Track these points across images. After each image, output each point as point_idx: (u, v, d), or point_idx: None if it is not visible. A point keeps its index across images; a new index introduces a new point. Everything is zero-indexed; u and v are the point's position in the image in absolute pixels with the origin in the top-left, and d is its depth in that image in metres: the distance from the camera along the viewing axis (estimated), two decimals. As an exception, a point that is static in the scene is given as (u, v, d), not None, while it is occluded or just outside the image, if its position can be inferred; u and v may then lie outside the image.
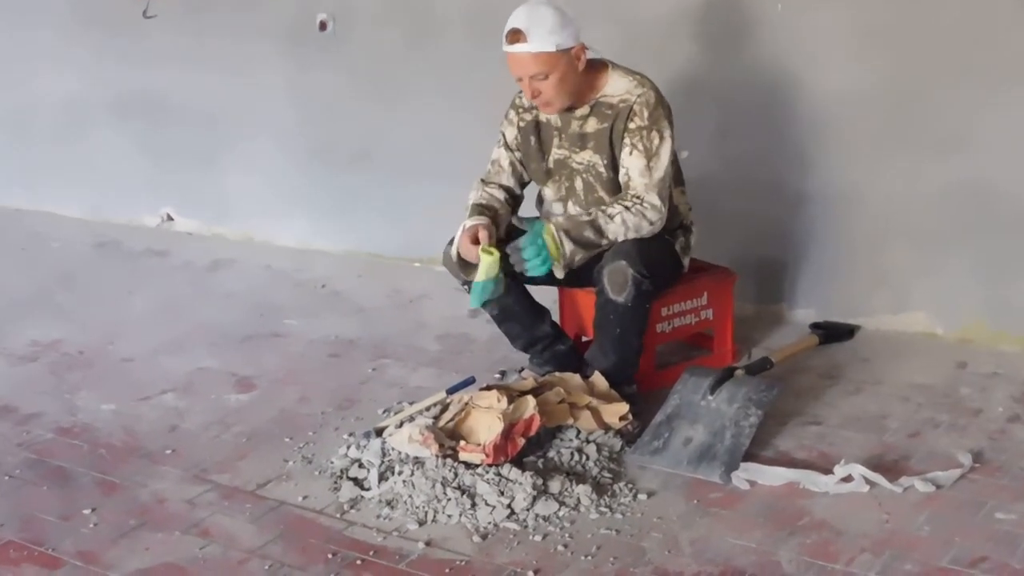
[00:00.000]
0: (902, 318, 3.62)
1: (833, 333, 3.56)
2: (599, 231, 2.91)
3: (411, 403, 3.19)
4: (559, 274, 2.93)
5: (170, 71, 4.87)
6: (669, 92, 3.61)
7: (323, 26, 4.43)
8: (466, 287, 3.17)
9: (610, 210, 2.93)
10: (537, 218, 3.14)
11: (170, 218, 5.16)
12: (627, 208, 2.93)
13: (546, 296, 3.36)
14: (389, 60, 4.34)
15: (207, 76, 4.78)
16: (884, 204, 3.58)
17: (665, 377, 3.25)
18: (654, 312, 3.21)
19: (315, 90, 4.56)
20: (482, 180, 3.19)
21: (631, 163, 2.96)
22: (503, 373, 3.38)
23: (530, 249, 2.86)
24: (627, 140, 2.96)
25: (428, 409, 2.96)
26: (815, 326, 3.61)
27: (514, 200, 3.21)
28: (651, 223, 2.93)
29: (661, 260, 3.04)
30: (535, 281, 3.16)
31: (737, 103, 3.72)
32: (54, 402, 3.38)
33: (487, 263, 2.92)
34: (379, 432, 2.96)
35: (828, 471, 2.72)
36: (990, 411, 3.07)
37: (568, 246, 2.88)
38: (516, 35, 2.89)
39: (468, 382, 3.11)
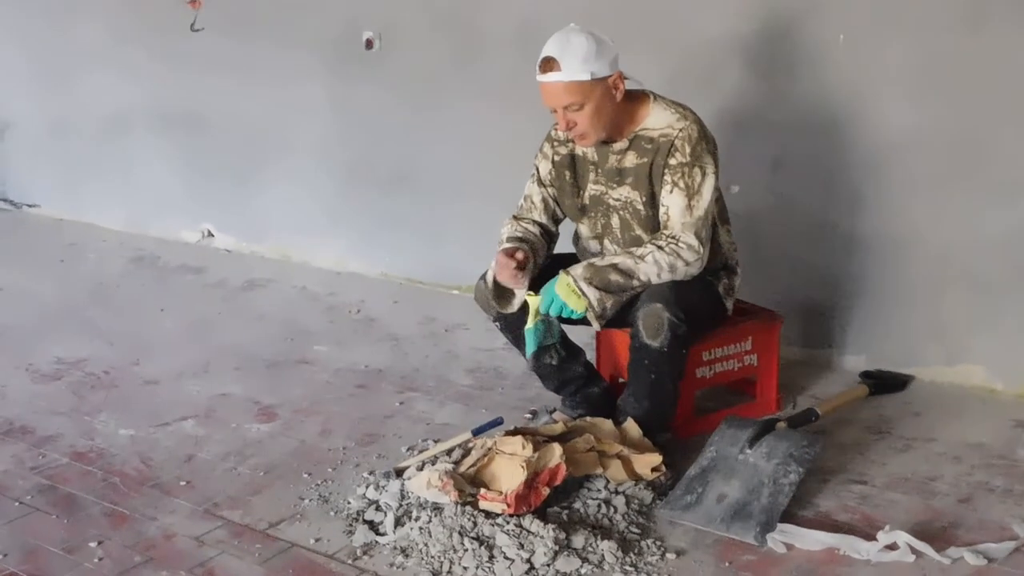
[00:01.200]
0: (959, 370, 3.42)
1: (884, 384, 3.37)
2: (627, 274, 2.77)
3: (436, 441, 3.07)
4: (595, 324, 2.79)
5: (215, 85, 4.83)
6: (719, 123, 3.47)
7: (369, 44, 4.35)
8: (499, 324, 3.04)
9: (640, 251, 2.79)
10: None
11: (210, 234, 5.10)
12: (660, 248, 2.78)
13: (582, 335, 3.22)
14: (434, 80, 4.25)
15: (251, 91, 4.73)
16: (943, 249, 3.38)
17: (705, 424, 3.09)
18: (694, 356, 3.06)
19: (358, 108, 4.48)
20: (514, 216, 3.06)
21: (671, 201, 2.81)
22: (534, 413, 3.24)
23: (545, 303, 2.77)
24: (668, 177, 2.82)
25: (451, 452, 2.82)
26: (865, 375, 3.42)
27: (549, 237, 3.07)
28: (687, 263, 2.78)
29: (701, 303, 2.88)
30: (571, 320, 3.02)
31: (791, 137, 3.55)
32: (72, 424, 3.31)
33: (534, 306, 2.81)
34: (399, 473, 2.84)
35: (871, 537, 2.54)
36: (1050, 477, 2.87)
37: (593, 293, 2.74)
38: (549, 64, 2.75)
39: (495, 423, 2.98)
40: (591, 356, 3.26)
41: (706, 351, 3.09)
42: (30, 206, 5.72)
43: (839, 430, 3.13)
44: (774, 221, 3.63)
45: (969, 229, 3.33)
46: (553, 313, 2.78)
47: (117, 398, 3.50)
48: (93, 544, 2.66)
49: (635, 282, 2.78)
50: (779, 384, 3.30)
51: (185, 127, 5.00)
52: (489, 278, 2.94)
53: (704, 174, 2.81)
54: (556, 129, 3.00)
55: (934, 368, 3.45)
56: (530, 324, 2.87)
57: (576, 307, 2.74)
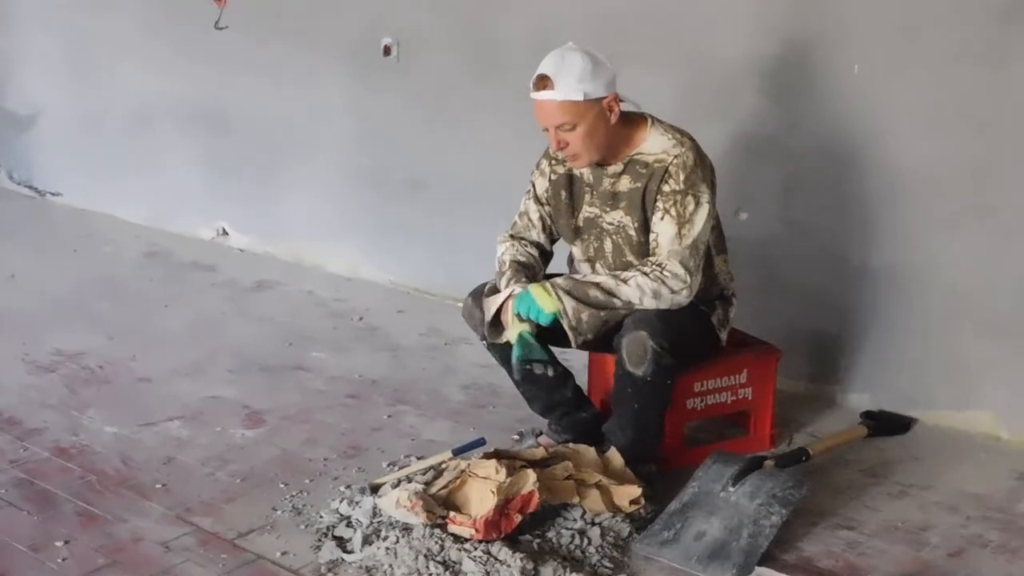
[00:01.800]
0: (966, 416, 3.30)
1: (885, 425, 3.26)
2: (608, 292, 2.70)
3: (418, 458, 3.01)
4: (572, 339, 2.72)
5: (236, 83, 4.82)
6: (731, 147, 3.40)
7: (387, 51, 4.32)
8: (486, 342, 2.98)
9: (625, 274, 2.73)
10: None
11: (225, 232, 5.09)
12: (645, 273, 2.71)
13: (575, 359, 3.15)
14: (450, 88, 4.20)
15: (272, 91, 4.72)
16: (956, 287, 3.27)
17: (695, 455, 3.00)
18: (685, 387, 2.99)
19: (375, 114, 4.45)
20: (511, 236, 3.00)
21: (661, 228, 2.74)
22: (521, 435, 3.18)
23: (518, 303, 2.72)
24: (660, 203, 2.74)
25: (425, 472, 2.76)
26: (867, 415, 3.32)
27: (545, 258, 3.01)
28: (672, 291, 2.70)
29: (690, 333, 2.80)
30: (550, 337, 2.95)
31: (804, 165, 3.46)
32: (59, 419, 3.30)
33: (515, 322, 2.76)
34: (374, 489, 2.79)
35: (852, 588, 2.45)
36: (1049, 534, 2.76)
37: (569, 302, 2.69)
38: (543, 81, 2.70)
39: (478, 443, 2.92)
40: (583, 381, 3.20)
41: (698, 382, 3.01)
42: (53, 194, 5.75)
43: (833, 471, 3.03)
44: (784, 249, 3.53)
45: (985, 268, 3.22)
46: (523, 313, 2.72)
47: (108, 394, 3.49)
48: (60, 543, 2.64)
49: (616, 301, 2.71)
50: (776, 419, 3.21)
51: (206, 124, 4.99)
52: (488, 312, 2.85)
53: (698, 203, 2.74)
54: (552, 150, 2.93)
55: (940, 411, 3.34)
56: (512, 336, 2.78)
57: (546, 307, 2.69)
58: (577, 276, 2.81)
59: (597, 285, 2.72)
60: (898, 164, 3.29)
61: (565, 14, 3.78)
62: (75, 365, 3.69)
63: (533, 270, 2.92)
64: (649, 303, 2.70)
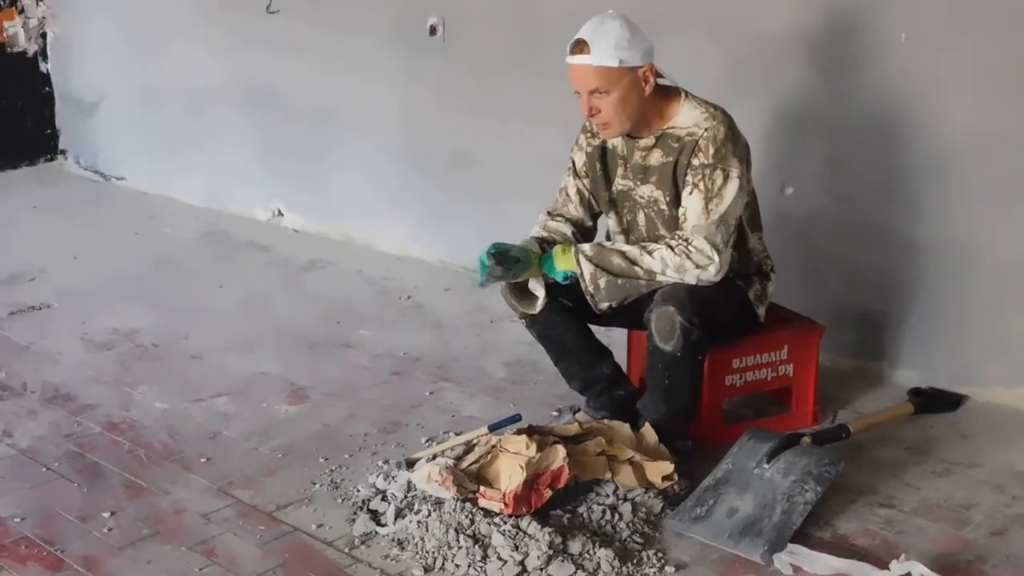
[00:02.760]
0: (1017, 393, 3.22)
1: (933, 402, 3.20)
2: (632, 262, 2.70)
3: (457, 434, 3.03)
4: (593, 306, 2.74)
5: (288, 66, 4.88)
6: (775, 121, 3.34)
7: (433, 30, 4.33)
8: (524, 321, 2.99)
9: (652, 245, 2.72)
10: None
11: (280, 213, 5.17)
12: (670, 247, 2.69)
13: (616, 337, 3.15)
14: (496, 66, 4.20)
15: (322, 73, 4.77)
16: (1007, 261, 3.19)
17: (733, 432, 2.97)
18: (723, 364, 2.97)
19: (422, 93, 4.47)
20: (548, 212, 3.00)
21: (689, 203, 2.71)
22: (559, 411, 3.19)
23: (545, 264, 2.79)
24: (689, 178, 2.72)
25: (455, 448, 2.79)
26: (914, 392, 3.25)
27: (583, 232, 3.00)
28: (699, 267, 2.67)
29: (723, 309, 2.78)
30: (600, 321, 2.96)
31: (851, 137, 3.39)
32: (113, 394, 3.39)
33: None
34: (411, 464, 2.82)
35: (886, 565, 2.41)
36: (1098, 514, 2.68)
37: (587, 266, 2.70)
38: (579, 46, 2.70)
39: (513, 419, 2.93)
40: (623, 359, 3.19)
41: (736, 359, 2.98)
42: (118, 179, 5.89)
43: (877, 448, 2.98)
44: (829, 224, 3.48)
45: (1037, 243, 3.13)
46: (544, 270, 2.78)
47: (160, 371, 3.57)
48: (106, 514, 2.72)
49: (638, 270, 2.70)
50: (820, 396, 3.17)
51: (261, 107, 5.06)
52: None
53: (727, 177, 2.70)
54: (592, 120, 2.92)
55: (991, 389, 3.26)
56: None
57: (559, 265, 2.73)
58: (607, 244, 2.81)
59: (622, 254, 2.72)
60: (946, 135, 3.21)
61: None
62: (130, 343, 3.79)
63: (551, 244, 2.91)
64: (672, 276, 2.68)
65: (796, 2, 3.39)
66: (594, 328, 3.04)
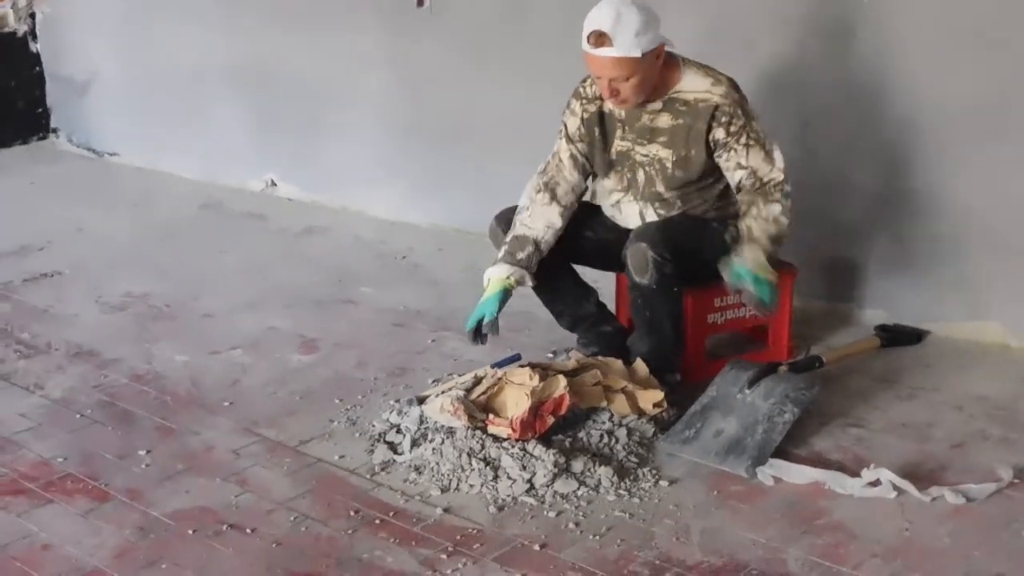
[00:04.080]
0: (975, 326, 3.49)
1: (897, 337, 3.47)
2: (775, 222, 2.97)
3: (460, 375, 3.27)
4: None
5: (277, 39, 5.07)
6: (749, 86, 3.56)
7: (420, 2, 4.54)
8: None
9: (762, 207, 2.98)
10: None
11: (273, 184, 5.37)
12: (775, 200, 2.99)
13: (593, 274, 3.39)
14: (484, 36, 4.42)
15: (311, 45, 4.96)
16: (966, 209, 3.45)
17: (716, 368, 3.23)
18: (705, 303, 3.21)
19: (411, 64, 4.67)
20: (539, 173, 3.20)
21: (751, 159, 2.98)
22: (554, 354, 3.43)
23: (756, 287, 2.93)
24: (733, 144, 2.97)
25: (464, 382, 3.02)
26: (881, 328, 3.52)
27: (575, 194, 3.20)
28: (789, 200, 3.00)
29: (696, 245, 3.03)
30: (591, 263, 3.21)
31: (822, 98, 3.64)
32: (134, 350, 3.60)
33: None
34: (421, 400, 3.05)
35: (856, 474, 2.68)
36: (1048, 428, 2.96)
37: (773, 276, 2.96)
38: (601, 39, 2.84)
39: (513, 359, 3.17)
40: (610, 300, 3.44)
41: (717, 298, 3.23)
42: (111, 155, 6.06)
43: (847, 378, 3.25)
44: (804, 177, 3.66)
45: (993, 190, 3.39)
46: (747, 280, 2.94)
47: (175, 328, 3.79)
48: (142, 452, 2.94)
49: (782, 228, 2.99)
50: (794, 334, 3.43)
51: (252, 80, 5.25)
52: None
53: (760, 127, 3.02)
54: (585, 87, 3.14)
55: (952, 324, 3.53)
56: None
57: (757, 271, 2.93)
58: (754, 228, 2.98)
59: (765, 231, 2.96)
60: (910, 93, 3.46)
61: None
62: (144, 305, 4.00)
63: (533, 244, 3.10)
64: (787, 217, 2.98)
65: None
66: (579, 268, 3.29)
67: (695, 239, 3.02)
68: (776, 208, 2.99)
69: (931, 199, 3.51)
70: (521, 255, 3.09)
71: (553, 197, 3.15)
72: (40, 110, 6.32)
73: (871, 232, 3.65)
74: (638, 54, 2.85)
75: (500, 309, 3.07)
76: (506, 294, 3.08)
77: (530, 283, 3.12)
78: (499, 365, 3.12)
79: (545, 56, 4.21)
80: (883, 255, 3.65)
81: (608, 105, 3.09)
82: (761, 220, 2.97)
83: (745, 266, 2.93)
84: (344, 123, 4.98)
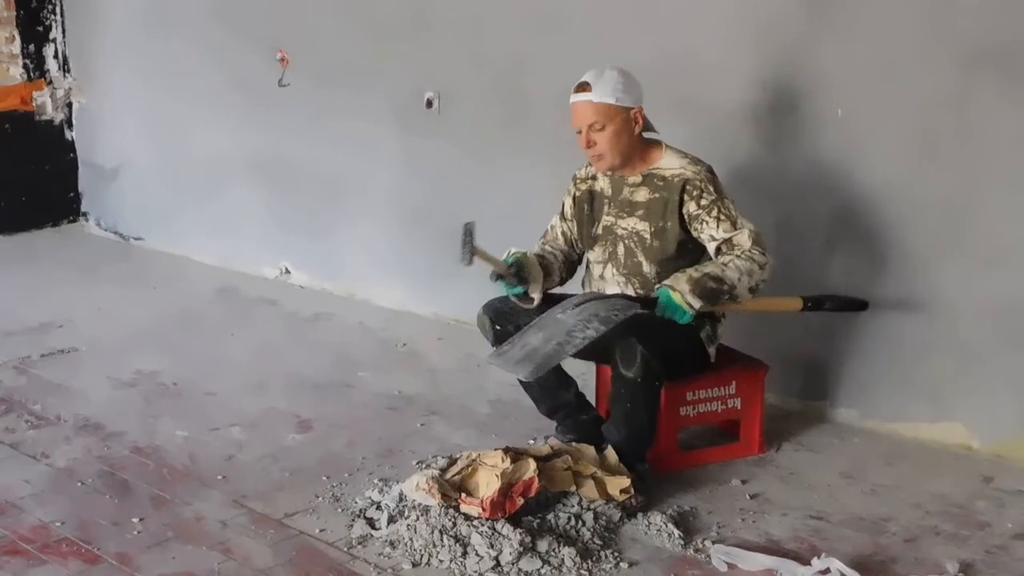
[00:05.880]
0: (940, 427, 3.63)
1: (821, 301, 3.48)
2: (718, 280, 3.11)
3: (445, 458, 3.43)
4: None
5: (296, 135, 5.37)
6: (731, 187, 3.80)
7: (429, 104, 4.83)
8: (496, 348, 3.41)
9: (722, 259, 3.16)
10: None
11: (287, 271, 5.62)
12: (737, 256, 3.15)
13: (577, 367, 3.56)
14: (486, 138, 4.68)
15: (328, 142, 5.25)
16: (931, 313, 3.62)
17: (689, 459, 3.41)
18: (678, 396, 3.38)
19: (419, 162, 4.94)
20: (540, 239, 3.55)
21: (723, 232, 3.19)
22: (534, 440, 3.60)
23: (667, 310, 3.08)
24: (704, 217, 3.20)
25: (438, 460, 3.20)
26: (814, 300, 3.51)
27: (568, 264, 3.50)
28: (762, 266, 3.16)
29: (678, 344, 3.21)
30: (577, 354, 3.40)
31: (793, 204, 3.85)
32: (137, 424, 3.80)
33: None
34: (402, 480, 3.21)
35: (808, 563, 2.80)
36: (999, 526, 3.08)
37: (696, 303, 3.08)
38: (583, 86, 3.24)
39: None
40: (590, 390, 3.62)
41: (690, 391, 3.40)
42: (136, 239, 6.36)
43: (812, 473, 3.39)
44: (777, 281, 3.90)
45: (955, 295, 3.57)
46: (663, 314, 3.10)
47: (179, 405, 3.99)
48: (136, 520, 3.12)
49: (725, 286, 3.11)
50: (767, 430, 3.58)
51: (271, 173, 5.55)
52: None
53: (732, 205, 3.24)
54: (581, 170, 3.46)
55: (918, 424, 3.67)
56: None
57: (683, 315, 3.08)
58: (699, 270, 3.13)
59: (711, 277, 3.09)
60: (879, 201, 3.66)
61: (583, 73, 4.22)
62: (152, 382, 4.21)
63: (548, 263, 3.39)
64: (745, 280, 3.12)
65: (743, 85, 3.87)
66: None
67: (676, 336, 3.19)
68: (727, 262, 3.13)
69: (900, 304, 3.68)
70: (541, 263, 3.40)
71: (550, 250, 3.50)
72: (72, 195, 6.63)
73: (843, 333, 3.82)
74: (612, 101, 3.20)
75: (509, 265, 3.29)
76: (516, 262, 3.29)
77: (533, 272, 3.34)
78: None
79: (542, 155, 4.47)
80: (854, 356, 3.81)
81: (598, 184, 3.36)
82: (723, 260, 3.14)
83: (664, 288, 3.10)
84: (355, 217, 5.24)
